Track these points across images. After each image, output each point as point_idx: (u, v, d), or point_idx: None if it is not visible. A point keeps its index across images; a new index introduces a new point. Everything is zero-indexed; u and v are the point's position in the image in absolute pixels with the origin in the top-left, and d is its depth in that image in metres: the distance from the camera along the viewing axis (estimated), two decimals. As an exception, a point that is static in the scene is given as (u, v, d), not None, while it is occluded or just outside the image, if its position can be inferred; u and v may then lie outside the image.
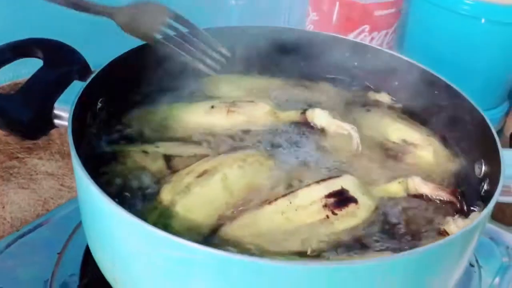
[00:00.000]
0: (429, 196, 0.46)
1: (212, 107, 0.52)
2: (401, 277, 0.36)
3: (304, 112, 0.54)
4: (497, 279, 0.57)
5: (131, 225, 0.35)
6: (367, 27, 0.81)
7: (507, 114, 0.89)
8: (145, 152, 0.47)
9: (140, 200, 0.43)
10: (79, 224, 0.57)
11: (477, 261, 0.59)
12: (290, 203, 0.42)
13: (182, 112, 0.52)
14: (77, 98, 0.44)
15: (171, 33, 0.52)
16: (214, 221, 0.42)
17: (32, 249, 0.54)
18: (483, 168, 0.47)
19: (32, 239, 0.55)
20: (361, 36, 0.80)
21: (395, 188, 0.46)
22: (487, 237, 0.62)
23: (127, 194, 0.43)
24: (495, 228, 0.63)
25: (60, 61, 0.49)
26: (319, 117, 0.53)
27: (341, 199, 0.43)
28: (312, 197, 0.43)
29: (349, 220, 0.42)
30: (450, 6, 0.77)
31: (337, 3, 0.80)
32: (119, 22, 0.50)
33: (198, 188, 0.43)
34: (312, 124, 0.53)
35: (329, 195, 0.43)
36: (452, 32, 0.79)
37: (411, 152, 0.52)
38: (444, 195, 0.46)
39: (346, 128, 0.51)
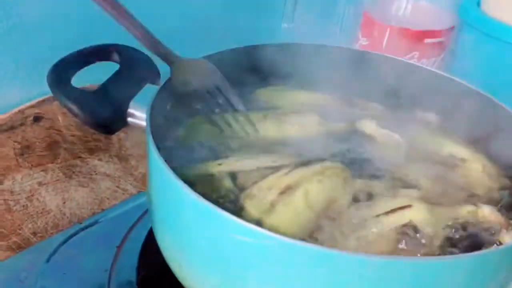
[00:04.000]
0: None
1: (265, 116, 0.55)
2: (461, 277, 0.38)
3: (353, 123, 0.56)
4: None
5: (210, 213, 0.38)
6: (416, 54, 0.83)
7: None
8: (211, 175, 0.48)
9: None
10: (136, 221, 0.60)
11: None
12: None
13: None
14: (152, 99, 0.48)
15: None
16: (298, 236, 0.43)
17: (93, 241, 0.58)
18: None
19: (92, 232, 0.59)
20: (411, 62, 0.82)
21: (463, 215, 0.47)
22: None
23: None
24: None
25: (135, 65, 0.53)
26: (368, 126, 0.55)
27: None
28: (381, 229, 0.44)
29: None
30: (499, 35, 0.78)
31: (388, 29, 0.83)
32: (174, 71, 0.51)
33: (282, 207, 0.44)
34: (361, 134, 0.55)
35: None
36: (501, 61, 0.80)
37: (460, 166, 0.53)
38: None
39: (395, 136, 0.54)
